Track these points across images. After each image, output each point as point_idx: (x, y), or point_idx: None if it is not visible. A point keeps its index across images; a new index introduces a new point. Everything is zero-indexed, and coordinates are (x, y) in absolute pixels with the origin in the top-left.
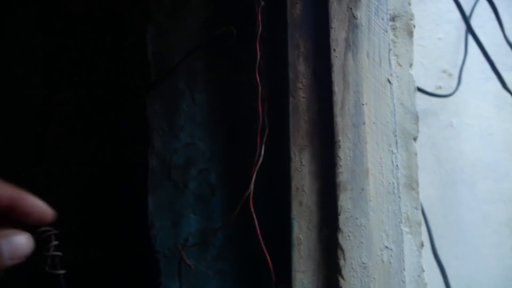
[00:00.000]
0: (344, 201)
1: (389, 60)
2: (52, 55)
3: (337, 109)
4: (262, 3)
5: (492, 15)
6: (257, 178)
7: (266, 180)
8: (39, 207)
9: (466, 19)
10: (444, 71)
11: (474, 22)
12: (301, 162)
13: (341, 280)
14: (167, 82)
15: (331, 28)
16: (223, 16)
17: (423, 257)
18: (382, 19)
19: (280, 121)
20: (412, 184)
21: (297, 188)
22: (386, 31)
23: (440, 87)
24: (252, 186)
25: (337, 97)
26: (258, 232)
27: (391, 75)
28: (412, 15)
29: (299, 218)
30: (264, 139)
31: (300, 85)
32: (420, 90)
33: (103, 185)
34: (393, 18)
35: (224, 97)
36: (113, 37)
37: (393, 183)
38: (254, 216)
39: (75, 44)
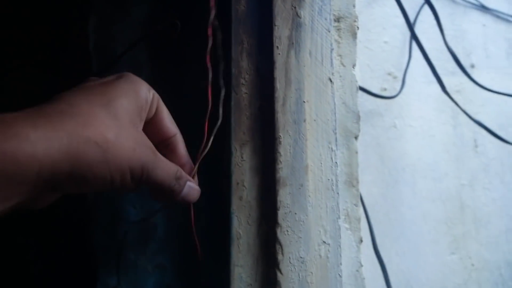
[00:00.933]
0: (284, 196)
1: (331, 59)
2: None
3: (278, 105)
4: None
5: (435, 22)
6: (200, 172)
7: (209, 174)
8: None
9: (410, 25)
10: (389, 74)
11: (418, 28)
12: (242, 157)
13: (279, 274)
14: (109, 73)
15: (275, 25)
16: (168, 8)
17: (364, 252)
18: (325, 19)
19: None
20: (352, 182)
21: (237, 183)
22: (329, 31)
23: (385, 89)
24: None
25: (279, 93)
26: (193, 218)
27: (332, 74)
28: (356, 17)
29: (239, 213)
30: (215, 130)
31: (242, 81)
32: (366, 91)
33: None
34: (337, 19)
35: (168, 90)
36: (57, 27)
37: (332, 180)
38: (192, 207)
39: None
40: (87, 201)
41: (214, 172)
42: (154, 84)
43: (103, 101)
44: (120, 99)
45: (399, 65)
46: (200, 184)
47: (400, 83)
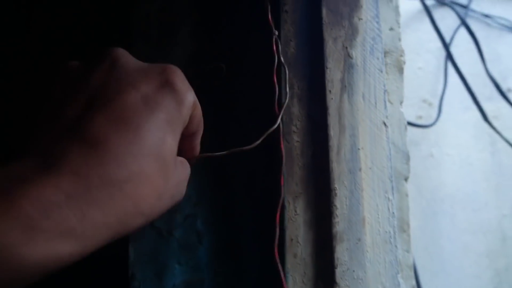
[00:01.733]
0: (341, 252)
1: (385, 101)
2: None
3: (333, 154)
4: (276, 32)
5: (470, 45)
6: (245, 228)
7: (257, 230)
8: None
9: (447, 47)
10: (424, 101)
11: (454, 52)
12: (296, 211)
13: None
14: None
15: (326, 68)
16: (212, 50)
17: None
18: (377, 58)
19: (272, 166)
20: (403, 226)
21: (291, 239)
22: (381, 71)
23: (420, 117)
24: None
25: (333, 141)
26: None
27: (386, 117)
28: (403, 51)
29: (293, 272)
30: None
31: (294, 128)
32: None
33: None
34: (384, 54)
35: (212, 136)
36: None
37: (389, 232)
38: (280, 267)
39: None
40: (128, 257)
41: (264, 228)
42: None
43: (148, 143)
44: (168, 136)
45: (434, 92)
46: (251, 239)
47: (436, 110)
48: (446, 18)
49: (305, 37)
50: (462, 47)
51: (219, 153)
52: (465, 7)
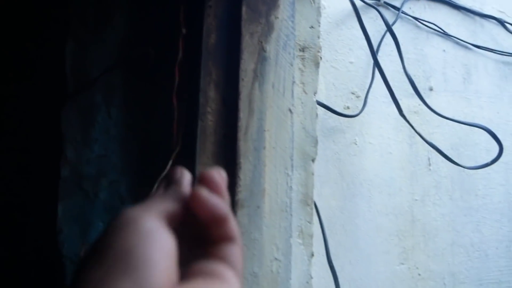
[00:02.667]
0: (241, 217)
1: (292, 91)
2: None
3: (241, 134)
4: (184, 30)
5: (399, 45)
6: None
7: None
8: None
9: (372, 50)
10: (353, 93)
11: (383, 50)
12: None
13: None
14: (84, 95)
15: (242, 59)
16: (144, 37)
17: (319, 261)
18: (289, 53)
19: (189, 142)
20: (307, 201)
21: None
22: (292, 65)
23: (348, 107)
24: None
25: (242, 123)
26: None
27: (293, 105)
28: (320, 48)
29: None
30: (173, 156)
31: (209, 109)
32: (329, 109)
33: (11, 187)
34: (302, 49)
35: (138, 113)
36: (30, 49)
37: (286, 202)
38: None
39: None
40: (57, 214)
41: None
42: (126, 107)
43: None
44: None
45: (362, 85)
46: None
47: (362, 102)
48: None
49: (225, 30)
50: (391, 46)
51: None
52: (398, 9)
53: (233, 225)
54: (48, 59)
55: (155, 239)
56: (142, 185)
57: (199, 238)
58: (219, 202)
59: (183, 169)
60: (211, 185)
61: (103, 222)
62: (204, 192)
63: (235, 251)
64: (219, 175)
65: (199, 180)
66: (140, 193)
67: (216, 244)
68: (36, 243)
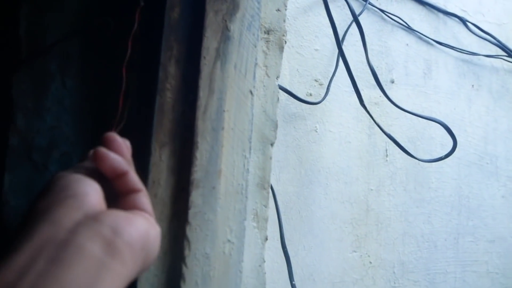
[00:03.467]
0: (196, 197)
1: (254, 73)
2: None
3: (199, 113)
4: (142, 3)
5: (365, 36)
6: None
7: None
8: None
9: (337, 39)
10: (316, 80)
11: (348, 40)
12: (161, 158)
13: (184, 267)
14: (38, 62)
15: (205, 36)
16: (104, 6)
17: (274, 246)
18: (253, 34)
19: (146, 118)
20: (264, 184)
21: (154, 182)
22: (255, 46)
23: (310, 94)
24: None
25: (201, 101)
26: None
27: (254, 87)
28: (285, 31)
29: (153, 209)
30: (117, 129)
31: (168, 86)
32: (292, 95)
33: None
34: (267, 32)
35: (94, 85)
36: None
37: (242, 184)
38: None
39: None
40: (3, 185)
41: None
42: (82, 78)
43: None
44: None
45: (326, 73)
46: None
47: (325, 90)
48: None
49: (189, 6)
50: (356, 36)
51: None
52: (365, 0)
53: (134, 178)
54: (1, 20)
55: (84, 180)
56: None
57: (113, 194)
58: (116, 158)
59: (114, 135)
60: (112, 146)
61: None
62: (103, 150)
63: (143, 199)
64: (122, 140)
65: (102, 142)
66: None
67: (126, 195)
68: None
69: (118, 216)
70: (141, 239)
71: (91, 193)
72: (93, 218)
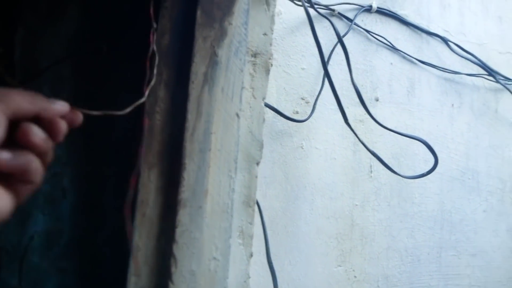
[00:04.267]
0: (183, 216)
1: (240, 96)
2: None
3: (187, 134)
4: (155, 25)
5: (349, 55)
6: (106, 189)
7: (117, 190)
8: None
9: (322, 58)
10: (303, 98)
11: (334, 59)
12: (149, 178)
13: (170, 284)
14: (31, 85)
15: (193, 62)
16: (98, 31)
17: (260, 261)
18: (240, 59)
19: (136, 139)
20: (249, 202)
21: (142, 201)
22: (242, 71)
23: (297, 112)
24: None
25: (189, 124)
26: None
27: (240, 109)
28: (271, 55)
29: (141, 228)
30: (148, 88)
31: (158, 109)
32: (279, 113)
33: None
34: (254, 55)
35: (87, 107)
36: None
37: (227, 203)
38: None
39: None
40: None
41: (124, 189)
42: (74, 100)
43: None
44: None
45: (312, 91)
46: (110, 198)
47: (311, 108)
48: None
49: (179, 33)
50: (342, 55)
51: (95, 112)
52: (350, 20)
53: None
54: None
55: None
56: (85, 178)
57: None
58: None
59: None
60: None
61: (43, 214)
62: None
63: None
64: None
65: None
66: (83, 185)
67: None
68: None
69: None
70: None
71: None
72: None
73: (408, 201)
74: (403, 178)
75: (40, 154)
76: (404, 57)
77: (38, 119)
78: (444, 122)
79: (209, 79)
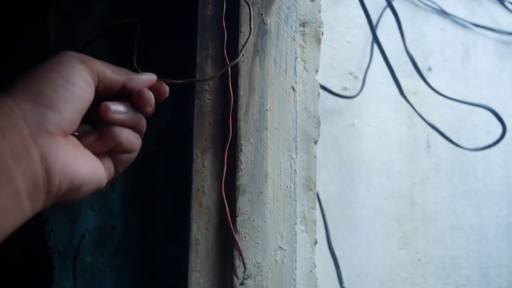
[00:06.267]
0: (243, 203)
1: (295, 67)
2: None
3: (241, 113)
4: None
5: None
6: (158, 178)
7: (168, 180)
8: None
9: (372, 26)
10: (351, 73)
11: (380, 29)
12: (203, 164)
13: (235, 279)
14: None
15: (241, 32)
16: (130, 7)
17: (319, 247)
18: (291, 27)
19: (185, 122)
20: (310, 185)
21: (198, 190)
22: (294, 39)
23: (346, 88)
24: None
25: (242, 101)
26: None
27: (295, 82)
28: (321, 23)
29: (198, 219)
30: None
31: (206, 87)
32: (327, 90)
33: None
34: (303, 24)
35: None
36: (14, 21)
37: (290, 187)
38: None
39: None
40: None
41: (175, 178)
42: None
43: None
44: None
45: (360, 65)
46: (162, 189)
47: (360, 83)
48: None
49: (222, 2)
50: (389, 24)
51: (179, 81)
52: None
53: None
54: (31, 34)
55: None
56: (133, 168)
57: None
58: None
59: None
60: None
61: (93, 210)
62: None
63: None
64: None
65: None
66: (131, 177)
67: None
68: (20, 235)
69: (67, 157)
70: (70, 189)
71: (67, 111)
72: (41, 153)
73: (471, 176)
74: (463, 152)
75: (128, 127)
76: (456, 22)
77: (126, 92)
78: (504, 88)
79: (259, 50)
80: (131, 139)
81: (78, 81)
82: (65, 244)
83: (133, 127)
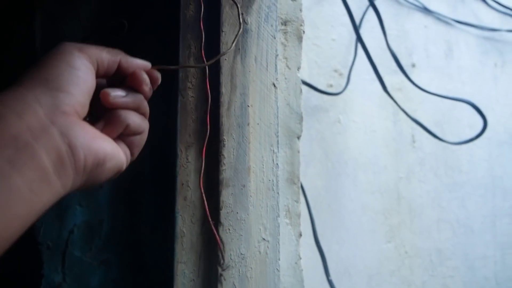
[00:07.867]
0: (226, 196)
1: (275, 65)
2: None
3: (223, 109)
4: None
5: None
6: (143, 174)
7: (154, 175)
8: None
9: (355, 25)
10: (336, 70)
11: (364, 27)
12: (187, 159)
13: (220, 270)
14: None
15: (222, 31)
16: (117, 8)
17: (305, 242)
18: (271, 25)
19: (169, 119)
20: (293, 179)
21: (182, 184)
22: (274, 38)
23: (331, 85)
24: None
25: (224, 98)
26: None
27: (276, 79)
28: (303, 21)
29: (183, 212)
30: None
31: (189, 85)
32: (312, 87)
33: None
34: (284, 23)
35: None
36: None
37: (272, 180)
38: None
39: None
40: None
41: (161, 173)
42: None
43: None
44: None
45: (345, 63)
46: (148, 184)
47: (345, 80)
48: None
49: (205, 1)
50: (373, 22)
51: (172, 66)
52: None
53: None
54: (17, 36)
55: (78, 74)
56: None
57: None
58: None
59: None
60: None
61: (81, 206)
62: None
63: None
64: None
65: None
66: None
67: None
68: None
69: (86, 133)
70: (96, 163)
71: (76, 93)
72: (60, 130)
73: (456, 169)
74: (448, 146)
75: (132, 109)
76: (438, 19)
77: (122, 75)
78: (487, 83)
79: (240, 48)
80: (137, 121)
81: (80, 66)
82: (54, 239)
83: (137, 109)
